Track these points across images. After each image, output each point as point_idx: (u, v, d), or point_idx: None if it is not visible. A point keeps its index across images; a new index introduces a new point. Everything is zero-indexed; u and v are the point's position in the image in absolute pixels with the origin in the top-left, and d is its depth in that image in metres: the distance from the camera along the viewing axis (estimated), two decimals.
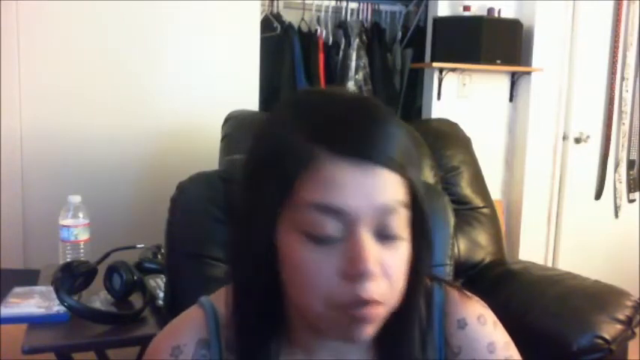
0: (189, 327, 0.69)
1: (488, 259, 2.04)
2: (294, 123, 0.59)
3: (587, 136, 3.25)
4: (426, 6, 3.16)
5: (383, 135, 0.58)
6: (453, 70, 2.97)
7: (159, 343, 0.69)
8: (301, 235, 0.57)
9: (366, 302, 0.56)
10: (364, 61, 3.07)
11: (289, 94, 2.93)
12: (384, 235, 0.58)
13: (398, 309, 0.61)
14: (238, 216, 0.64)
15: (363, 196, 0.56)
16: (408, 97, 3.25)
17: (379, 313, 0.58)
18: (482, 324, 0.70)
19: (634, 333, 1.69)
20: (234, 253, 0.65)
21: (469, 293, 0.72)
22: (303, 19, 3.17)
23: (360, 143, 0.57)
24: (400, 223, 0.59)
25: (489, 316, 0.71)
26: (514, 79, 3.15)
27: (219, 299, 0.70)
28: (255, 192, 0.62)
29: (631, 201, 3.49)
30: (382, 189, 0.57)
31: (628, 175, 3.44)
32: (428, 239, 0.63)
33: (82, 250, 1.74)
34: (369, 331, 0.59)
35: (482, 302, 0.72)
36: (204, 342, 0.68)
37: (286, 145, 0.58)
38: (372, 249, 0.56)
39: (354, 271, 0.55)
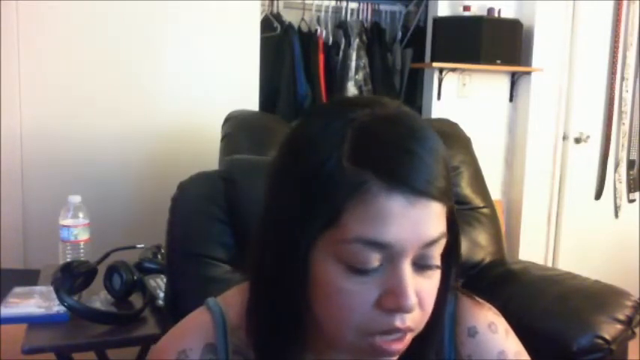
0: (196, 331, 0.67)
1: (488, 259, 2.04)
2: (341, 144, 0.55)
3: (587, 136, 3.25)
4: (426, 6, 3.16)
5: (433, 163, 0.55)
6: (453, 70, 2.97)
7: (165, 346, 0.67)
8: (340, 264, 0.55)
9: (401, 331, 0.56)
10: (364, 61, 3.07)
11: (288, 95, 2.95)
12: (421, 265, 0.56)
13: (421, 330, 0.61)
14: (269, 221, 0.60)
15: (411, 229, 0.54)
16: (408, 97, 3.25)
17: (409, 339, 0.58)
18: (493, 332, 0.69)
19: (634, 333, 1.69)
20: (259, 259, 0.61)
21: (481, 300, 0.71)
22: (303, 19, 3.16)
23: (413, 174, 0.53)
24: (439, 251, 0.57)
25: (501, 324, 0.70)
26: (514, 79, 3.15)
27: (228, 301, 0.68)
28: (292, 209, 0.57)
29: (631, 201, 3.49)
30: (430, 222, 0.55)
31: (628, 175, 3.44)
32: (459, 264, 0.62)
33: (82, 250, 1.74)
34: (396, 355, 0.58)
35: (494, 310, 0.71)
36: (211, 346, 0.66)
37: (334, 170, 0.54)
38: (411, 281, 0.55)
39: (395, 306, 0.54)
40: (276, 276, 0.59)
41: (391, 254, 0.54)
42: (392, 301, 0.54)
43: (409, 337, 0.58)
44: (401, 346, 0.57)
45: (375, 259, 0.54)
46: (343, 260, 0.55)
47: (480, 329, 0.68)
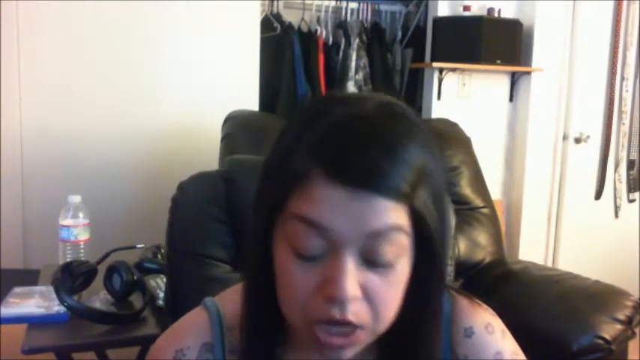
0: (193, 330, 0.68)
1: (488, 259, 2.04)
2: (301, 134, 0.58)
3: (587, 136, 3.25)
4: (426, 6, 3.16)
5: (390, 162, 0.55)
6: (453, 70, 2.97)
7: (162, 346, 0.68)
8: (289, 247, 0.57)
9: (340, 323, 0.56)
10: (364, 61, 3.07)
11: (288, 95, 2.95)
12: (371, 260, 0.56)
13: (401, 331, 0.61)
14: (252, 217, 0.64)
15: (351, 220, 0.54)
16: (408, 97, 3.25)
17: (357, 336, 0.57)
18: (489, 333, 0.69)
19: (634, 333, 1.69)
20: (246, 246, 0.65)
21: (478, 301, 0.71)
22: (303, 19, 3.16)
23: (359, 170, 0.55)
24: (394, 249, 0.56)
25: (497, 325, 0.70)
26: (514, 79, 3.15)
27: (225, 301, 0.69)
28: (258, 196, 0.62)
29: (631, 201, 3.49)
30: (374, 216, 0.55)
31: (628, 175, 3.44)
32: (434, 263, 0.60)
33: (82, 250, 1.74)
34: (347, 352, 0.58)
35: (491, 310, 0.71)
36: (208, 346, 0.67)
37: (287, 157, 0.58)
38: (353, 273, 0.55)
39: (331, 293, 0.55)
40: (252, 264, 0.63)
41: (332, 242, 0.55)
42: (329, 288, 0.55)
43: (359, 334, 0.57)
44: (346, 341, 0.57)
45: (316, 244, 0.55)
46: (289, 241, 0.57)
47: (477, 330, 0.68)
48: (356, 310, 0.56)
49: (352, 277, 0.55)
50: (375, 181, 0.54)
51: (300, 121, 0.60)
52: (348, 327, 0.56)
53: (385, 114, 0.59)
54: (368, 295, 0.56)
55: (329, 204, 0.55)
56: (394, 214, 0.55)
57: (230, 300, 0.68)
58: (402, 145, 0.57)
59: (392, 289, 0.58)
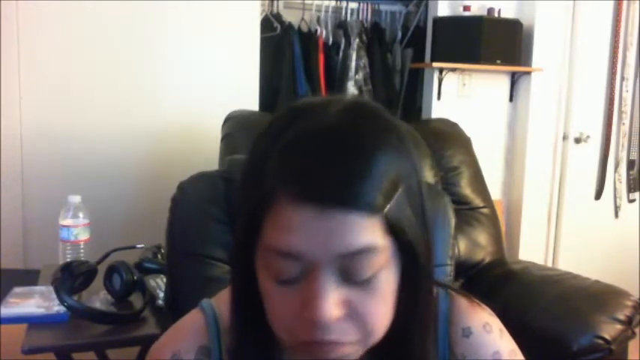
0: (189, 333, 0.68)
1: (488, 259, 2.04)
2: (265, 154, 0.55)
3: (587, 136, 3.25)
4: (426, 6, 3.16)
5: (359, 174, 0.52)
6: (453, 70, 2.97)
7: (159, 349, 0.68)
8: (268, 272, 0.56)
9: (324, 343, 0.55)
10: (364, 61, 3.07)
11: (288, 95, 2.94)
12: (352, 278, 0.54)
13: (392, 338, 0.60)
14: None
15: (322, 240, 0.52)
16: (408, 97, 3.25)
17: (346, 352, 0.56)
18: (487, 332, 0.68)
19: (634, 333, 1.69)
20: (230, 257, 0.65)
21: (476, 300, 0.71)
22: (303, 19, 3.16)
23: (325, 187, 0.51)
24: (373, 264, 0.54)
25: (495, 324, 0.70)
26: (514, 79, 3.15)
27: (221, 302, 0.69)
28: (236, 219, 0.60)
29: (631, 201, 3.49)
30: (346, 233, 0.52)
31: (628, 175, 3.44)
32: (418, 267, 0.58)
33: (82, 250, 1.73)
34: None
35: (489, 310, 0.71)
36: (205, 349, 0.67)
37: (255, 181, 0.56)
38: (333, 293, 0.53)
39: (310, 317, 0.53)
40: (238, 271, 0.62)
41: (307, 264, 0.53)
42: (309, 312, 0.53)
43: (347, 350, 0.56)
44: (338, 353, 0.56)
45: (290, 270, 0.54)
46: (268, 269, 0.55)
47: (475, 330, 0.68)
48: (341, 329, 0.54)
49: (332, 297, 0.53)
50: (343, 197, 0.52)
51: (264, 139, 0.57)
52: (335, 345, 0.55)
53: (352, 120, 0.56)
54: (353, 312, 0.54)
55: (297, 227, 0.52)
56: (368, 231, 0.53)
57: (226, 300, 0.67)
58: (372, 154, 0.54)
59: (379, 303, 0.56)
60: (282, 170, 0.53)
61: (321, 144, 0.54)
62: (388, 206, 0.53)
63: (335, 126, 0.55)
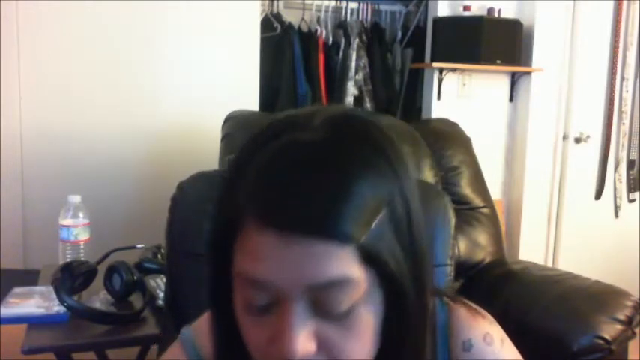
0: None
1: (488, 259, 2.04)
2: (241, 172, 0.52)
3: (587, 136, 3.25)
4: (426, 6, 3.17)
5: (333, 199, 0.48)
6: (453, 70, 2.97)
7: None
8: (240, 299, 0.53)
9: None
10: (364, 61, 3.07)
11: (288, 95, 2.95)
12: (325, 311, 0.50)
13: None
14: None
15: (289, 269, 0.48)
16: (408, 97, 3.25)
17: None
18: (488, 344, 0.66)
19: (634, 333, 1.69)
20: (205, 284, 0.60)
21: (475, 307, 0.69)
22: (303, 19, 3.17)
23: (293, 212, 0.48)
24: (347, 298, 0.49)
25: (496, 334, 0.68)
26: (514, 79, 3.15)
27: (201, 329, 0.67)
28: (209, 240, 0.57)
29: (631, 201, 3.49)
30: (315, 264, 0.48)
31: (628, 175, 3.44)
32: (403, 300, 0.53)
33: (82, 250, 1.73)
34: None
35: (489, 317, 0.69)
36: None
37: (226, 205, 0.54)
38: (305, 326, 0.49)
39: (279, 352, 0.49)
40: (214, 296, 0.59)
41: (276, 294, 0.50)
42: (279, 345, 0.49)
43: None
44: None
45: (261, 298, 0.50)
46: (240, 296, 0.53)
47: (475, 342, 0.66)
48: None
49: (302, 331, 0.49)
50: (305, 224, 0.47)
51: (242, 156, 0.54)
52: None
53: (333, 136, 0.51)
54: (326, 348, 0.50)
55: (263, 255, 0.49)
56: (339, 261, 0.48)
57: (206, 331, 0.64)
58: (349, 176, 0.49)
59: (355, 339, 0.51)
60: (252, 193, 0.50)
61: (293, 165, 0.49)
62: (365, 235, 0.49)
63: (313, 142, 0.51)
